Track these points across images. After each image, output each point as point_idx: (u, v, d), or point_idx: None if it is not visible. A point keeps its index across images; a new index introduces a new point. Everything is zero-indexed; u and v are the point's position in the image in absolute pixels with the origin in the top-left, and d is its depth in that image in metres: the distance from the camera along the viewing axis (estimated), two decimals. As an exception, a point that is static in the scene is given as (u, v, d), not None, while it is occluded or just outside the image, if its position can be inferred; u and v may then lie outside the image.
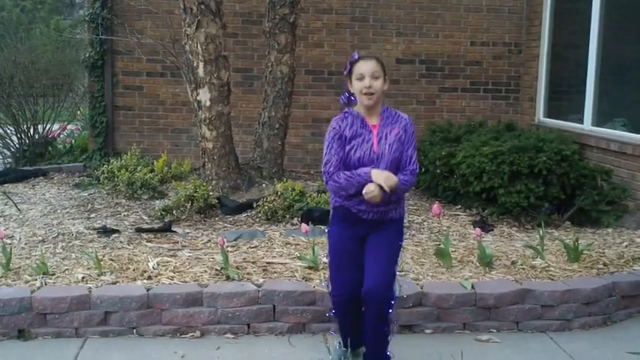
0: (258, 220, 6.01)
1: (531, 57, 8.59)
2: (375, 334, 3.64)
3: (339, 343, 3.89)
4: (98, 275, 4.53)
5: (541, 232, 5.30)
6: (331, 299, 3.76)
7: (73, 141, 9.72)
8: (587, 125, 7.34)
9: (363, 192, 3.47)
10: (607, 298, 4.55)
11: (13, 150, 9.35)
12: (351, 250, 3.64)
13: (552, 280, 4.67)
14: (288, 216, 5.98)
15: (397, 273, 3.84)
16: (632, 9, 7.03)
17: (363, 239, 3.66)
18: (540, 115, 8.45)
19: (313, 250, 4.79)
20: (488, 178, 6.11)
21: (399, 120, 3.62)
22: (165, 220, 5.88)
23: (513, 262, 5.01)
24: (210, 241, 5.41)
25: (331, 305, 3.80)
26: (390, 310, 3.63)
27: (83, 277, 4.50)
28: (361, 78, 3.51)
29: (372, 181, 3.46)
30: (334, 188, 3.58)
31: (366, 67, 3.51)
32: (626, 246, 5.55)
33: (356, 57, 3.56)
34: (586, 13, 7.41)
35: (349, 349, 3.80)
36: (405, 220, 3.82)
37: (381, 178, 3.44)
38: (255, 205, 6.13)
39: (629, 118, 6.91)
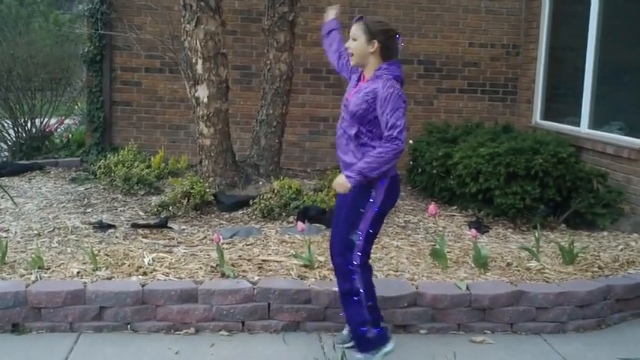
0: (254, 217, 6.01)
1: (529, 59, 8.60)
2: (341, 299, 3.83)
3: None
4: (93, 270, 4.53)
5: (536, 234, 5.31)
6: None
7: (70, 135, 9.71)
8: (583, 128, 7.36)
9: (333, 187, 3.74)
10: (601, 301, 4.56)
11: (9, 143, 9.33)
12: (337, 206, 3.88)
13: (547, 282, 4.68)
14: (284, 214, 5.98)
15: (371, 254, 3.84)
16: (630, 13, 7.05)
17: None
18: (537, 117, 8.46)
19: (309, 248, 4.79)
20: (484, 179, 6.12)
21: (381, 83, 3.62)
22: (162, 216, 5.88)
23: (508, 264, 5.02)
24: (206, 237, 5.41)
25: None
26: (354, 277, 3.67)
27: (78, 272, 4.50)
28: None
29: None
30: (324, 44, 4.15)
31: (351, 30, 3.74)
32: (621, 249, 5.56)
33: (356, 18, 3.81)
34: (584, 17, 7.42)
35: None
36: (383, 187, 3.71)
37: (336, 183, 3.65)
38: (251, 203, 6.14)
39: (625, 122, 6.93)
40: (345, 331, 4.07)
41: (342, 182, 3.59)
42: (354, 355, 3.82)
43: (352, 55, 3.72)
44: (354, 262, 3.68)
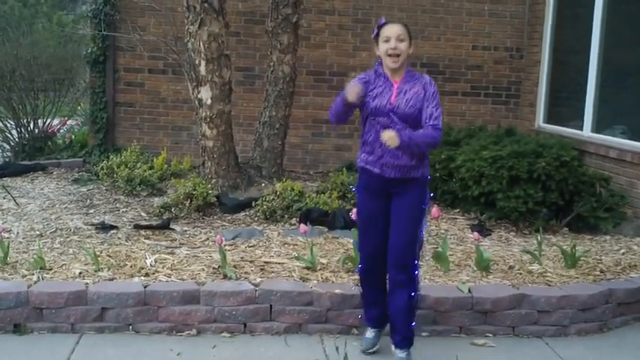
0: (256, 219, 6.01)
1: (532, 62, 8.60)
2: (398, 301, 3.82)
3: (367, 330, 4.11)
4: (95, 271, 4.53)
5: (539, 237, 5.30)
6: (359, 256, 4.05)
7: (73, 136, 9.71)
8: (586, 132, 7.35)
9: (381, 138, 3.66)
10: (603, 305, 4.56)
11: (12, 144, 9.34)
12: (375, 215, 3.88)
13: (549, 285, 4.67)
14: (286, 216, 5.98)
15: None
16: (633, 16, 7.04)
17: (389, 197, 3.84)
18: (540, 120, 8.45)
19: (311, 250, 4.79)
20: (487, 182, 6.11)
21: (420, 79, 3.83)
22: (164, 218, 5.88)
23: (511, 267, 5.01)
24: (208, 239, 5.41)
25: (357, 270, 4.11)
26: (417, 272, 3.85)
27: (80, 273, 4.51)
28: (387, 40, 3.77)
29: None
30: (332, 115, 3.86)
31: (391, 30, 3.78)
32: (624, 253, 5.55)
33: (383, 21, 3.83)
34: (588, 20, 7.42)
35: (378, 330, 4.07)
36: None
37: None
38: (254, 205, 6.14)
39: (628, 126, 6.92)
40: (370, 335, 4.08)
41: (393, 136, 3.62)
42: (399, 354, 3.86)
43: (397, 56, 3.74)
44: (418, 258, 3.91)
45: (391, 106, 3.75)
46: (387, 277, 3.93)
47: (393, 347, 3.91)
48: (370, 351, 4.05)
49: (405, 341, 3.86)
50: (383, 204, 3.86)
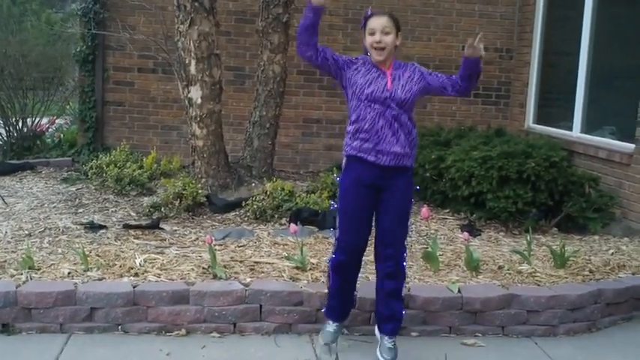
0: (246, 219, 6.00)
1: (522, 63, 8.63)
2: (393, 289, 3.82)
3: (328, 324, 4.05)
4: (84, 271, 4.51)
5: (528, 237, 5.32)
6: (336, 244, 3.88)
7: (62, 135, 9.67)
8: (576, 132, 7.39)
9: (475, 43, 3.78)
10: (592, 305, 4.58)
11: (0, 143, 9.28)
12: (363, 208, 3.78)
13: (538, 285, 4.69)
14: (276, 216, 5.98)
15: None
16: (622, 18, 7.09)
17: (377, 191, 3.76)
18: (530, 121, 8.49)
19: (301, 250, 4.79)
20: (476, 182, 6.13)
21: (407, 66, 3.84)
22: (153, 217, 5.86)
23: (500, 267, 5.03)
24: (198, 239, 5.40)
25: (332, 257, 3.93)
26: (404, 263, 3.83)
27: (69, 273, 4.48)
28: (372, 33, 3.73)
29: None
30: (299, 41, 3.87)
31: (377, 22, 3.74)
32: (612, 253, 5.58)
33: (369, 13, 3.77)
34: (577, 21, 7.46)
35: (339, 325, 4.04)
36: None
37: None
38: (244, 204, 6.13)
39: (617, 126, 6.96)
40: (331, 328, 4.04)
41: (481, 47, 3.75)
42: (386, 343, 3.85)
43: (382, 49, 3.71)
44: (406, 249, 3.88)
45: (388, 92, 3.71)
46: (376, 267, 3.90)
47: (380, 336, 3.91)
48: (332, 344, 4.01)
49: (396, 329, 3.88)
50: (371, 197, 3.78)
